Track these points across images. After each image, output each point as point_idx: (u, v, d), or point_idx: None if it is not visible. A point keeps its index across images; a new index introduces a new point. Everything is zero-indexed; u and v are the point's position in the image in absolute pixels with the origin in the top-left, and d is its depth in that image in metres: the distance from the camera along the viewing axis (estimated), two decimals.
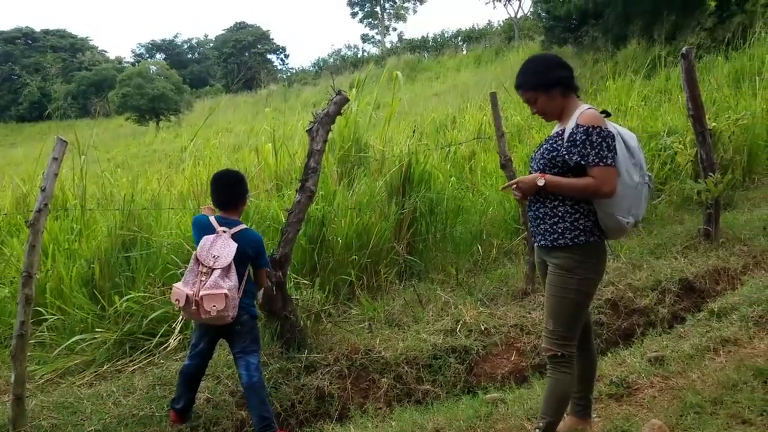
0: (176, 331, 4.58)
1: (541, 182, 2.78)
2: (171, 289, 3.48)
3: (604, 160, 2.67)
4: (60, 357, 4.49)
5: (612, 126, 2.78)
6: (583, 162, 2.69)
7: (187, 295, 3.33)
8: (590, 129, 2.69)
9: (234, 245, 3.41)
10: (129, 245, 5.17)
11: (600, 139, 2.68)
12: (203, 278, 3.34)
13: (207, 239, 3.42)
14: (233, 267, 3.40)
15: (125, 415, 3.69)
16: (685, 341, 4.10)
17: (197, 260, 3.40)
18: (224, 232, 3.46)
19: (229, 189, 3.65)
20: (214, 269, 3.34)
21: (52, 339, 4.66)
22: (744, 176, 7.74)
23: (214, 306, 3.30)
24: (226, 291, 3.33)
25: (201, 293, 3.31)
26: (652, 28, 17.25)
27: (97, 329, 4.62)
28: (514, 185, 2.90)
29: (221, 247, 3.40)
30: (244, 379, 3.52)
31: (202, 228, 3.51)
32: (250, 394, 3.52)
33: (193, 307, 3.33)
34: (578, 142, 2.70)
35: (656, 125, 8.33)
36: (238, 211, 3.67)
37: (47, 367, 4.41)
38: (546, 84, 2.84)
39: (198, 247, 3.41)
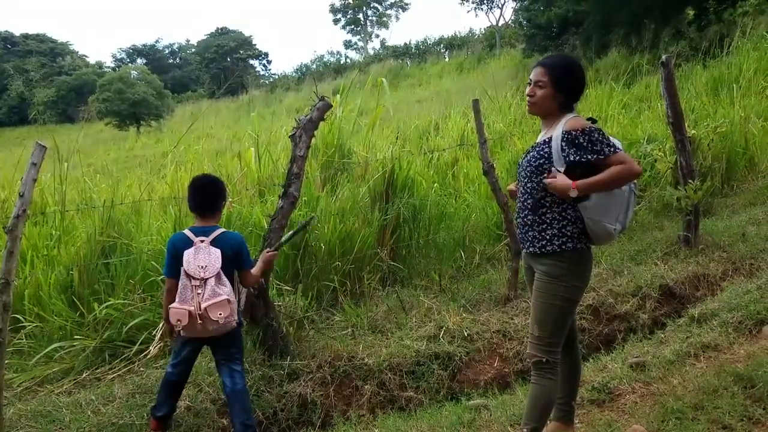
0: (156, 338, 4.54)
1: (573, 194, 2.72)
2: (169, 311, 3.36)
3: (612, 148, 2.71)
4: (38, 365, 4.43)
5: None
6: (601, 157, 2.70)
7: (189, 312, 3.28)
8: (586, 130, 2.73)
9: (217, 251, 3.38)
10: (109, 251, 5.11)
11: (599, 135, 2.72)
12: (199, 291, 3.30)
13: (188, 253, 3.37)
14: (222, 273, 3.38)
15: (104, 423, 3.64)
16: (665, 347, 4.13)
17: (188, 275, 3.34)
18: (201, 241, 3.41)
19: (206, 193, 3.58)
20: (206, 279, 3.31)
21: (31, 346, 4.59)
22: (723, 183, 7.83)
23: (221, 314, 3.29)
24: (226, 297, 3.33)
25: (204, 305, 3.27)
26: (632, 36, 17.47)
27: (76, 336, 4.57)
28: (549, 182, 2.78)
29: (205, 257, 3.35)
30: (228, 386, 3.48)
31: (179, 244, 3.45)
32: (233, 401, 3.47)
33: (199, 322, 3.29)
34: (585, 144, 2.72)
35: (636, 133, 8.41)
36: (215, 217, 3.59)
37: (25, 375, 4.34)
38: (561, 86, 2.85)
39: (184, 263, 3.35)
